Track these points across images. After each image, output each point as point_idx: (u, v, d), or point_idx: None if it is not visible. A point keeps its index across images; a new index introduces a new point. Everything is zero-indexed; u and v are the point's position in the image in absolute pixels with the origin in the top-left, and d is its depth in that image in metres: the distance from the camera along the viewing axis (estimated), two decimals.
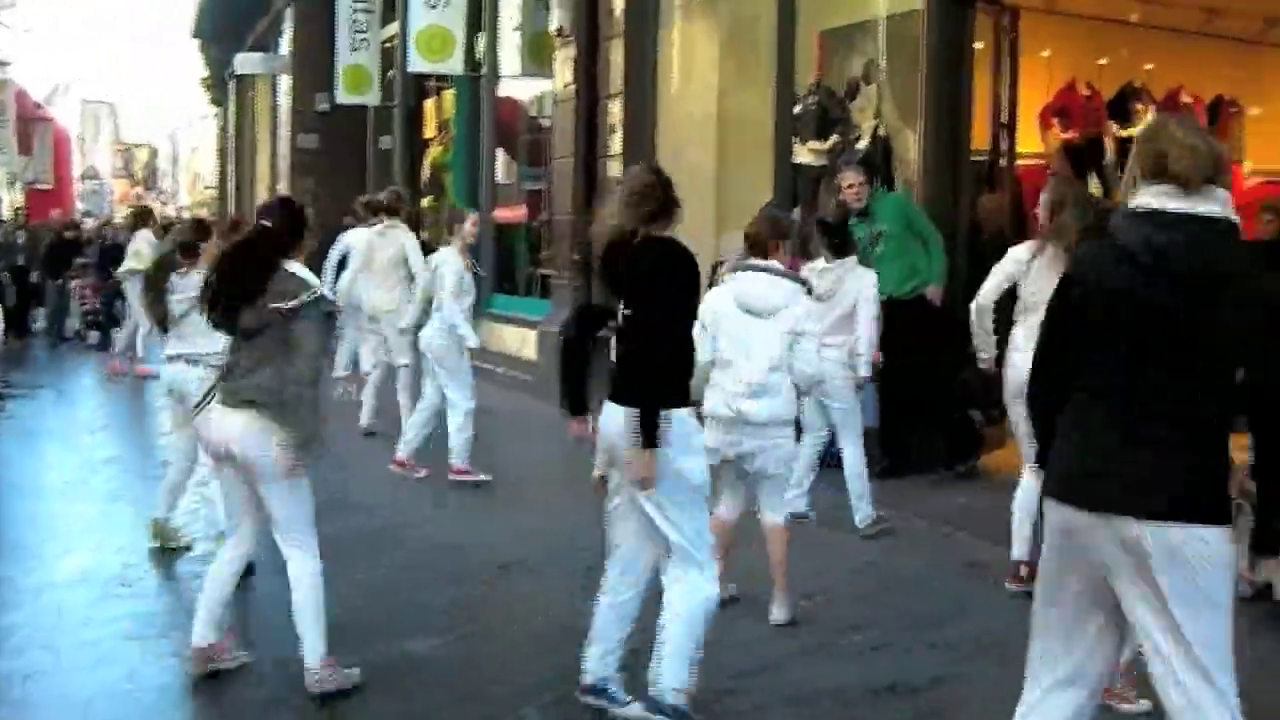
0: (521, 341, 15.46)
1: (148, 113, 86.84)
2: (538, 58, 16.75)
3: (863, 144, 11.36)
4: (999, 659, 6.00)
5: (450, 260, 9.96)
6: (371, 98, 22.15)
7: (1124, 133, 14.11)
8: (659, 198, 5.20)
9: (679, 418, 5.06)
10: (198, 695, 5.69)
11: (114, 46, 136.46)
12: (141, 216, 17.98)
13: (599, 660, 5.31)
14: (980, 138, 10.96)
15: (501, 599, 7.13)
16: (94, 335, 21.04)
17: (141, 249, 15.47)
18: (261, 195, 33.21)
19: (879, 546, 8.08)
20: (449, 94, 21.35)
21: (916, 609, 6.85)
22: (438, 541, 8.26)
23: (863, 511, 8.30)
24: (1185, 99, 14.44)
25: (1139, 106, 14.25)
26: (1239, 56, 14.24)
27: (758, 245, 6.50)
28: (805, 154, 11.89)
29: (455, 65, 17.89)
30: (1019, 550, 6.92)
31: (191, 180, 77.89)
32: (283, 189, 27.05)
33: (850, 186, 9.25)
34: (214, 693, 5.74)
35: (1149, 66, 14.31)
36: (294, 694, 5.57)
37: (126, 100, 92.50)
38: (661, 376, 5.03)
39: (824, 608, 6.84)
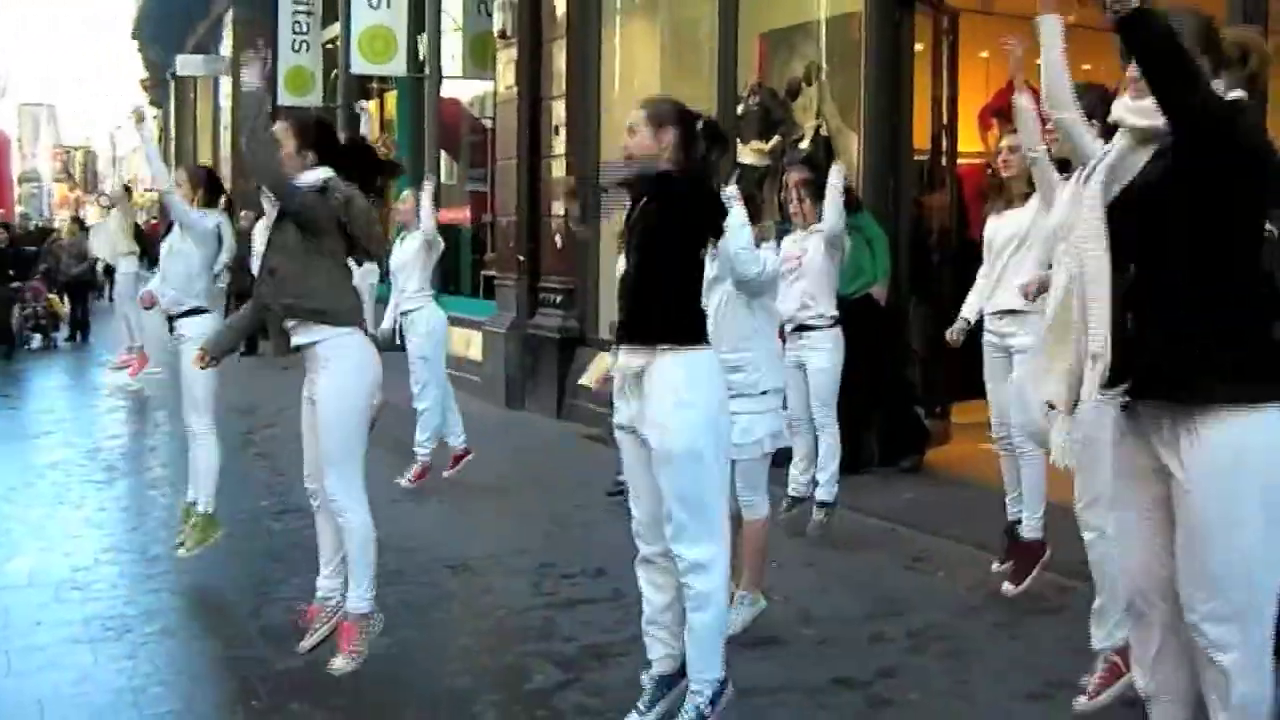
0: (467, 342, 15.48)
1: (86, 114, 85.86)
2: (480, 59, 16.79)
3: (804, 144, 11.43)
4: (944, 652, 6.12)
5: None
6: (313, 99, 22.11)
7: None
8: None
9: None
10: (150, 698, 5.69)
11: (51, 48, 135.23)
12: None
13: None
14: (921, 138, 11.09)
15: (450, 599, 7.16)
16: (36, 339, 20.89)
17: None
18: None
19: (825, 543, 8.16)
20: (391, 95, 21.35)
21: (863, 604, 6.93)
22: (381, 542, 8.25)
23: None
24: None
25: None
26: None
27: None
28: (748, 154, 11.96)
29: (398, 66, 17.90)
30: None
31: (132, 181, 77.27)
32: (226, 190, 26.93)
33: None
34: (168, 694, 5.76)
35: (1087, 66, 14.41)
36: (248, 694, 5.60)
37: (65, 101, 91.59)
38: None
39: (771, 603, 6.91)
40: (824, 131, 11.31)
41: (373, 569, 5.74)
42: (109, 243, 18.03)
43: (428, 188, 10.36)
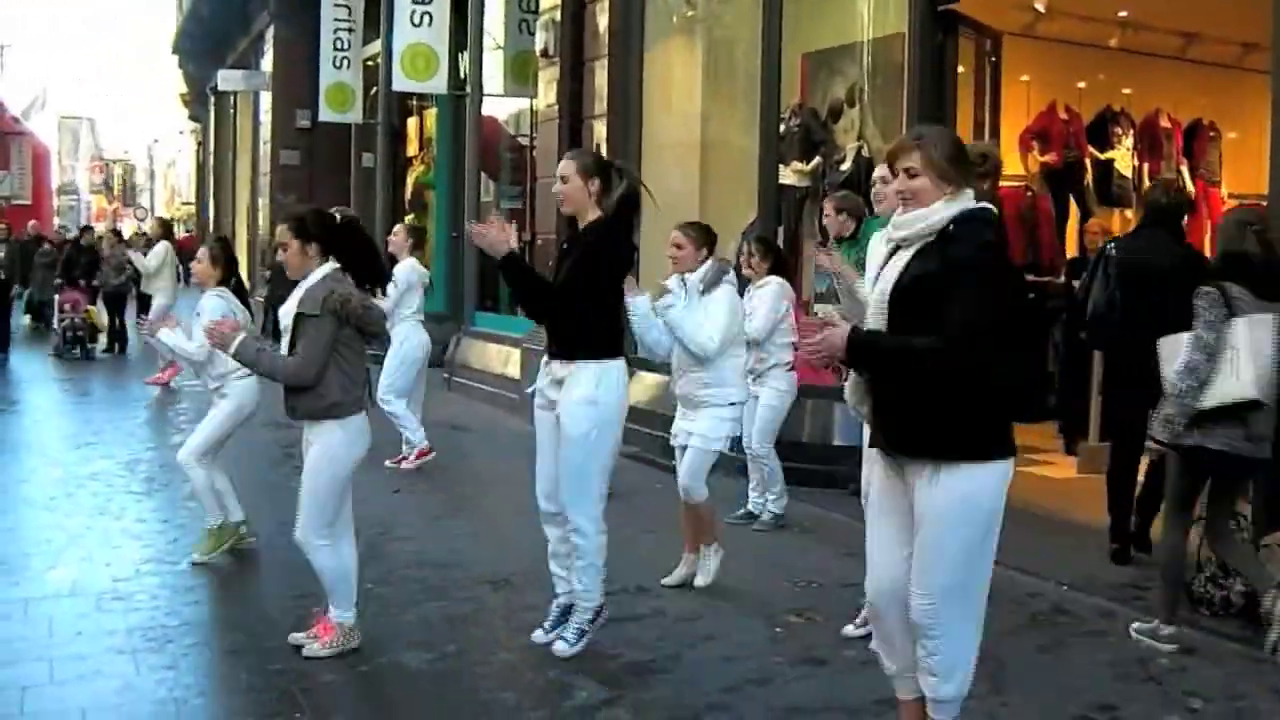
0: (505, 359, 15.50)
1: (125, 126, 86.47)
2: (520, 77, 16.86)
3: (846, 166, 11.44)
4: (985, 674, 6.05)
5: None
6: (354, 115, 22.22)
7: (1103, 156, 14.25)
8: None
9: None
10: (192, 709, 5.71)
11: (92, 61, 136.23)
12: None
13: None
14: None
15: (492, 614, 7.16)
16: (75, 350, 20.98)
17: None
18: (242, 211, 33.24)
19: (864, 561, 8.12)
20: (431, 112, 21.42)
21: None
22: (424, 557, 8.30)
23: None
24: (1163, 123, 14.59)
25: (1117, 130, 14.40)
26: (1216, 81, 14.38)
27: None
28: (789, 175, 11.98)
29: (439, 84, 17.96)
30: None
31: (169, 195, 77.79)
32: (263, 205, 27.09)
33: (828, 216, 9.37)
34: (209, 705, 5.79)
35: (1127, 91, 14.45)
36: (290, 707, 5.61)
37: (104, 114, 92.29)
38: None
39: (812, 624, 6.90)
40: (865, 153, 11.32)
41: (351, 594, 6.32)
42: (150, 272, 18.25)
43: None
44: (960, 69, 10.94)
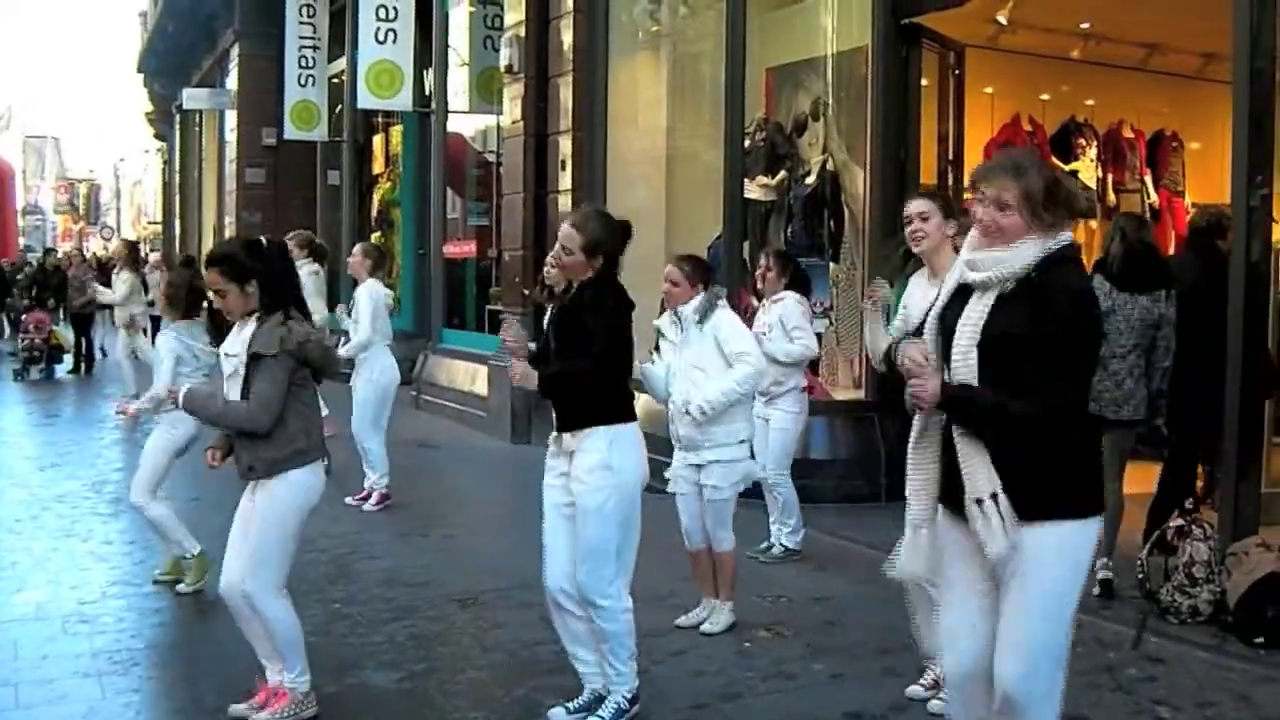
0: (472, 377, 15.48)
1: (90, 146, 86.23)
2: (486, 94, 16.85)
3: (811, 179, 11.47)
4: None
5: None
6: (319, 133, 22.20)
7: (1067, 167, 14.30)
8: None
9: None
10: None
11: (57, 80, 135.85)
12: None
13: None
14: (927, 172, 11.14)
15: (460, 633, 7.13)
16: (34, 370, 20.87)
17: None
18: (208, 229, 33.14)
19: (835, 576, 8.15)
20: (397, 129, 21.41)
21: (874, 637, 6.91)
22: (392, 576, 8.27)
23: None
24: (1127, 133, 14.65)
25: (1081, 141, 14.44)
26: (1178, 92, 14.45)
27: None
28: (754, 189, 11.98)
29: (404, 101, 17.94)
30: None
31: (135, 214, 77.49)
32: (229, 223, 27.02)
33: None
34: None
35: (1090, 102, 14.50)
36: None
37: (69, 133, 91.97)
38: None
39: (782, 639, 6.90)
40: (830, 166, 11.35)
41: (303, 656, 5.71)
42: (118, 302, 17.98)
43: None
44: (924, 82, 10.99)
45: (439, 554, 9.00)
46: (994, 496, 3.94)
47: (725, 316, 7.02)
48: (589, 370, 5.46)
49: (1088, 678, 6.16)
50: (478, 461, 12.34)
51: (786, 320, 8.51)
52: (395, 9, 17.40)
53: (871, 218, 10.58)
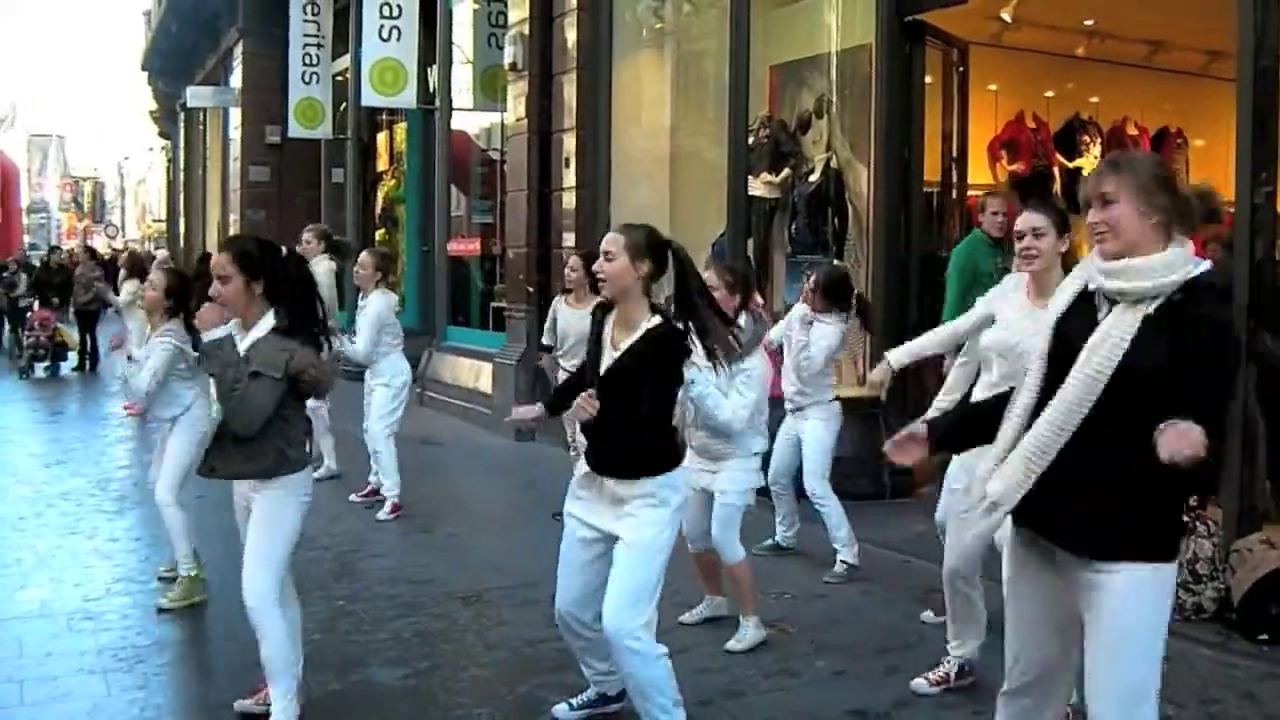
0: (476, 374, 15.48)
1: (94, 144, 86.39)
2: (489, 91, 16.86)
3: (814, 177, 11.48)
4: (960, 684, 6.09)
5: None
6: (323, 131, 22.18)
7: (1071, 164, 14.31)
8: None
9: None
10: None
11: (61, 79, 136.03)
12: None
13: None
14: (931, 170, 11.14)
15: (464, 631, 7.13)
16: (39, 368, 20.90)
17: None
18: (212, 227, 33.18)
19: (838, 575, 8.15)
20: (401, 127, 21.41)
21: (877, 636, 6.93)
22: (397, 574, 8.28)
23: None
24: (1131, 131, 14.65)
25: (1085, 139, 14.46)
26: (1182, 89, 14.46)
27: None
28: (758, 187, 11.99)
29: (408, 98, 17.92)
30: None
31: (140, 213, 77.58)
32: (234, 221, 27.04)
33: (995, 213, 9.07)
34: None
35: (1095, 99, 14.51)
36: None
37: (74, 132, 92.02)
38: None
39: (786, 636, 6.90)
40: (834, 164, 11.36)
41: (294, 677, 5.51)
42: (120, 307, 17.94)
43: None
44: (928, 79, 10.99)
45: (443, 551, 9.01)
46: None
47: (758, 368, 6.49)
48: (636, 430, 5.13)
49: None
50: (482, 459, 12.31)
51: (815, 348, 8.18)
52: (399, 6, 17.37)
53: (875, 215, 10.57)
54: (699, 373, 5.56)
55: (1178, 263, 3.61)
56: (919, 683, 6.02)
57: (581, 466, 5.34)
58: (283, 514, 5.48)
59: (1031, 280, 5.59)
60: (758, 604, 6.88)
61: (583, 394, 5.13)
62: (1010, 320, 5.50)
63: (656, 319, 5.11)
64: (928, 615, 7.12)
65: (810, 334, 8.24)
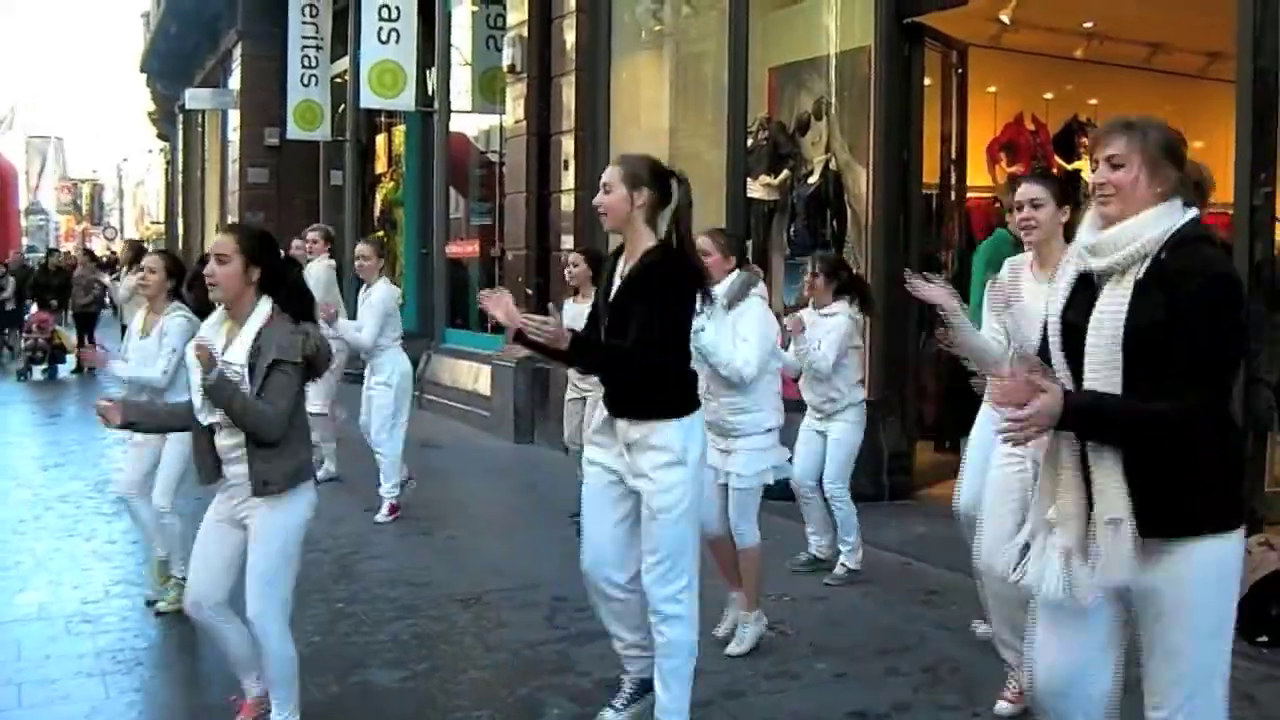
0: (475, 376, 15.48)
1: (93, 146, 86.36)
2: (488, 93, 16.87)
3: (813, 179, 11.46)
4: (959, 686, 6.09)
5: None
6: (322, 133, 22.19)
7: (1070, 166, 14.30)
8: None
9: None
10: None
11: (59, 81, 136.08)
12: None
13: None
14: (930, 172, 11.14)
15: (463, 633, 7.13)
16: (37, 370, 20.89)
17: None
18: (211, 230, 33.17)
19: (838, 577, 8.15)
20: (400, 129, 21.42)
21: (878, 637, 6.92)
22: (396, 575, 8.27)
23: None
24: None
25: (1084, 141, 14.44)
26: (1181, 91, 14.43)
27: None
28: (757, 189, 11.98)
29: (406, 100, 17.93)
30: None
31: (138, 215, 77.55)
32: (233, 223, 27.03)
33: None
34: None
35: (1094, 101, 14.50)
36: None
37: (72, 133, 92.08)
38: None
39: (786, 638, 6.90)
40: (833, 166, 11.34)
41: (296, 692, 5.35)
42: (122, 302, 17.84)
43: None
44: (927, 81, 10.99)
45: (442, 554, 9.01)
46: (1129, 519, 3.48)
47: (752, 309, 6.48)
48: (630, 355, 4.97)
49: None
50: (481, 461, 12.31)
51: (826, 341, 7.98)
52: (398, 9, 17.38)
53: (874, 217, 10.57)
54: (707, 320, 5.62)
55: (1158, 219, 3.55)
56: (1002, 705, 5.68)
57: (601, 413, 5.27)
58: (296, 523, 5.27)
59: (1035, 256, 5.59)
60: (760, 593, 6.82)
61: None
62: (1029, 309, 5.28)
63: (653, 243, 5.09)
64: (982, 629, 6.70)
65: (818, 330, 8.08)
